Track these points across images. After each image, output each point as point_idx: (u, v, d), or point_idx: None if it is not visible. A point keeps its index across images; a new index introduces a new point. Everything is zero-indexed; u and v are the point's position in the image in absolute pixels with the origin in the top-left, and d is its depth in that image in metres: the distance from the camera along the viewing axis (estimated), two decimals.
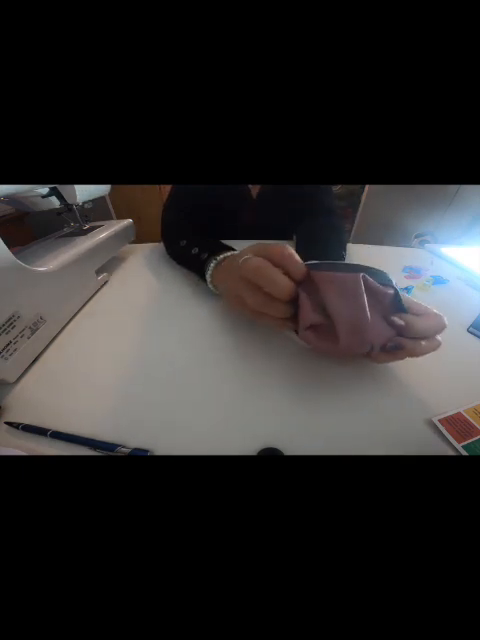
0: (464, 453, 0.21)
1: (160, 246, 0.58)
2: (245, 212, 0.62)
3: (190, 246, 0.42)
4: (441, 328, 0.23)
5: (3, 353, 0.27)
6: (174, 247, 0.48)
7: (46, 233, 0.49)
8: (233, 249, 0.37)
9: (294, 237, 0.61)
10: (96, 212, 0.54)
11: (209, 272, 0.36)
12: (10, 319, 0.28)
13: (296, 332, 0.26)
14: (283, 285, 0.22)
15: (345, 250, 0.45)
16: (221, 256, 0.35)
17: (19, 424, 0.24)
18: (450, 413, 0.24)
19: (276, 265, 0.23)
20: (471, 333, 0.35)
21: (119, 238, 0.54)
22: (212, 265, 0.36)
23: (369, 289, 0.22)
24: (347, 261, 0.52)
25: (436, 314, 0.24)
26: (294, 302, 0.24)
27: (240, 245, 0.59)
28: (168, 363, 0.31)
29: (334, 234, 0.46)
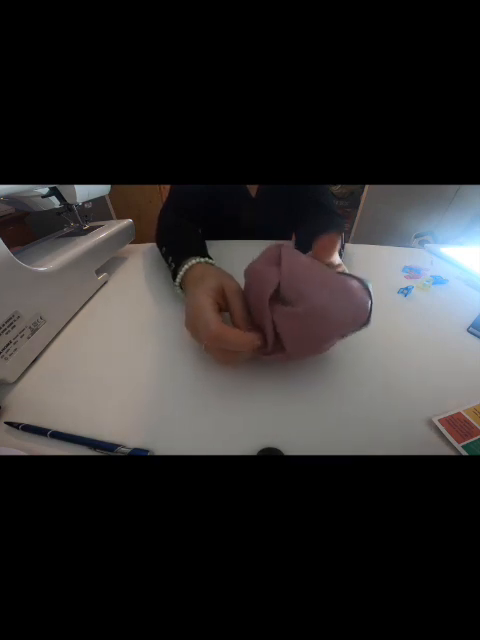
0: (464, 453, 0.21)
1: None
2: (244, 212, 0.62)
3: (167, 255, 0.42)
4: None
5: (3, 353, 0.27)
6: (161, 253, 0.48)
7: (46, 233, 0.49)
8: (202, 255, 0.36)
9: (293, 236, 0.61)
10: (96, 212, 0.54)
11: (177, 283, 0.36)
12: (10, 319, 0.28)
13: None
14: (243, 342, 0.24)
15: (343, 248, 0.44)
16: (184, 268, 0.35)
17: (19, 424, 0.24)
18: (450, 413, 0.24)
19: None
20: (471, 333, 0.35)
21: (119, 238, 0.54)
22: (180, 275, 0.36)
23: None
24: (346, 261, 0.52)
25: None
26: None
27: (240, 245, 0.59)
28: (168, 363, 0.31)
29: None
